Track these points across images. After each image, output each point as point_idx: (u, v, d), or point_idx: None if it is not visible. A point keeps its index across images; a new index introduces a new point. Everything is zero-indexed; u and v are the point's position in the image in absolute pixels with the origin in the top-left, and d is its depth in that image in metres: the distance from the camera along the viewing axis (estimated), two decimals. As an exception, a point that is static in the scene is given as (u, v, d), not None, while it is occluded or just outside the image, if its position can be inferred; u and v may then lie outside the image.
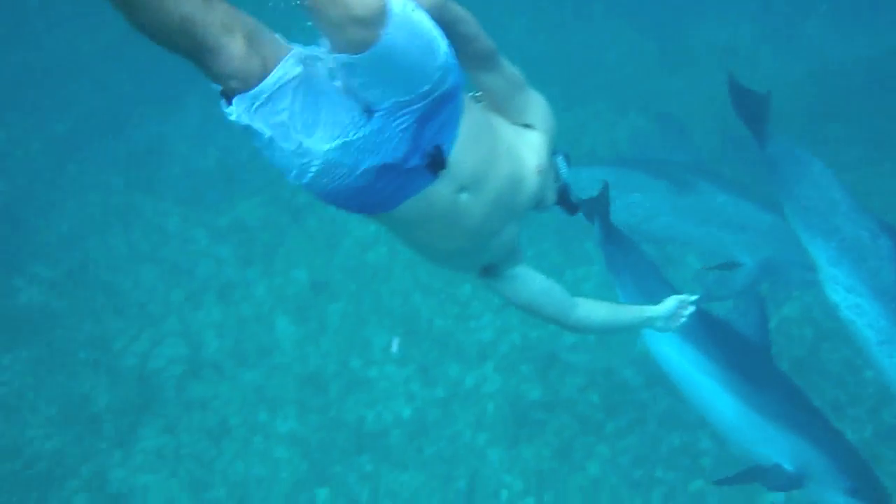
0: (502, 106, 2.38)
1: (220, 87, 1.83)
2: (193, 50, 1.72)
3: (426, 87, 1.94)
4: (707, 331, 4.60)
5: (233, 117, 1.84)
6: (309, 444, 6.02)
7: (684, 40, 8.63)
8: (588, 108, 8.34)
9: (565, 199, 2.60)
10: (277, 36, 1.88)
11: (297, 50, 1.88)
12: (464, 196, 2.16)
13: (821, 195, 4.73)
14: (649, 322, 2.82)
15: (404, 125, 1.96)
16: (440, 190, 2.10)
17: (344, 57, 1.83)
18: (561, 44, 9.00)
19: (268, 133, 1.86)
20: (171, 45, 1.72)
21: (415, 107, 1.95)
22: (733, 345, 4.64)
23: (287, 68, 1.82)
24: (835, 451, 4.27)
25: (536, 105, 2.45)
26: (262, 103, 1.82)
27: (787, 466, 4.32)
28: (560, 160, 2.56)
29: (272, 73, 1.80)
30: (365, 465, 5.92)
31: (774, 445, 4.38)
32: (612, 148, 7.73)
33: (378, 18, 1.76)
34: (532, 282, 2.58)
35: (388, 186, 2.03)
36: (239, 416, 6.17)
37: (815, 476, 4.28)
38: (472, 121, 2.13)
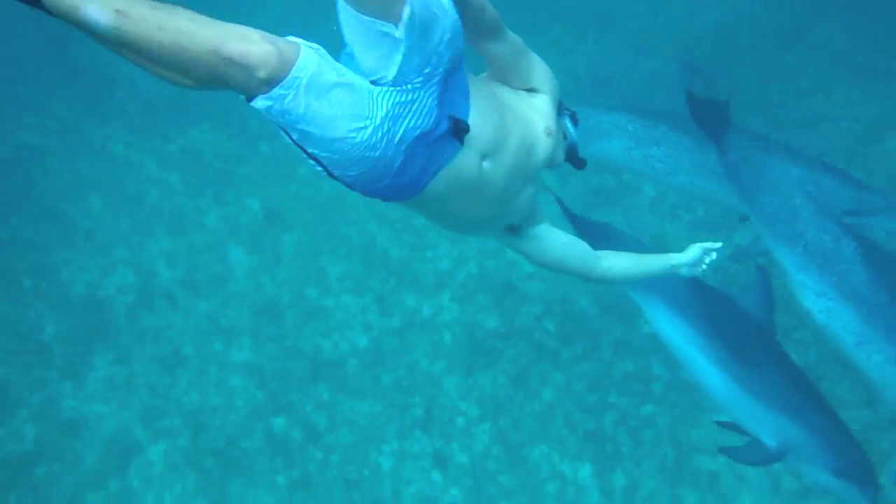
0: (507, 73, 2.46)
1: (250, 96, 1.84)
2: (226, 67, 1.75)
3: (449, 53, 2.02)
4: (701, 304, 4.61)
5: (271, 105, 1.84)
6: (265, 374, 5.99)
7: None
8: (546, 35, 8.20)
9: (574, 157, 2.66)
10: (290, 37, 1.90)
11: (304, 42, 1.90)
12: (486, 164, 2.23)
13: (782, 202, 4.75)
14: (674, 269, 2.86)
15: (433, 92, 2.03)
16: (465, 161, 2.16)
17: (381, 25, 1.88)
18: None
19: (313, 114, 1.87)
20: (213, 87, 1.81)
21: (440, 71, 2.02)
22: (728, 320, 4.62)
23: (309, 55, 1.85)
24: (822, 431, 4.27)
25: (539, 69, 2.51)
26: (303, 86, 1.83)
27: (770, 442, 4.37)
28: (567, 120, 2.62)
29: (299, 59, 1.82)
30: (322, 393, 5.93)
31: (759, 421, 4.42)
32: (569, 76, 7.64)
33: None
34: (555, 239, 2.65)
35: (419, 161, 2.07)
36: (193, 346, 6.09)
37: (800, 453, 4.32)
38: (479, 92, 2.22)
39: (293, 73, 1.80)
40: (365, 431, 5.74)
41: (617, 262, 2.74)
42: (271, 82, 1.79)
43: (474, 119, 2.15)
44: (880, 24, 7.11)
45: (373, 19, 1.90)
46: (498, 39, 2.37)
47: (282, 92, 1.81)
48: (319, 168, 2.01)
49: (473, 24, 2.20)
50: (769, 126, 6.88)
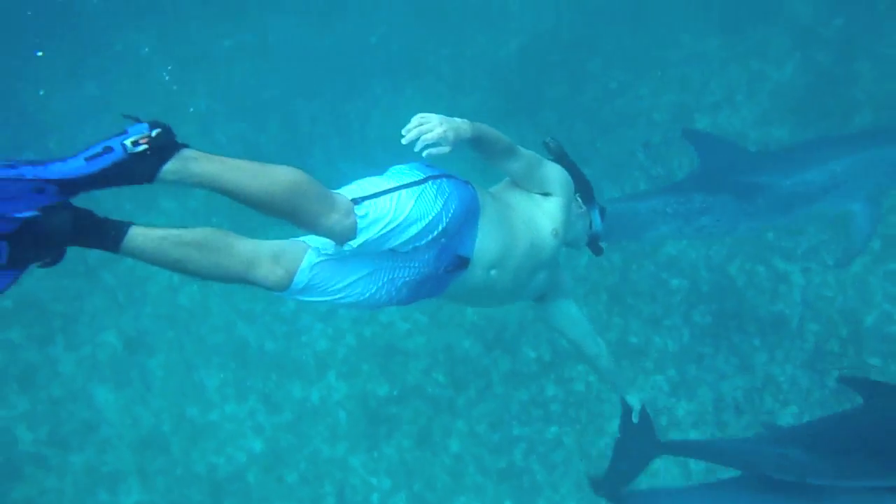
0: (523, 182, 2.87)
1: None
2: (253, 283, 2.42)
3: (434, 234, 2.49)
4: None
5: (290, 295, 2.50)
6: (162, 510, 5.64)
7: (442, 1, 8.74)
8: (367, 94, 8.29)
9: (594, 244, 3.15)
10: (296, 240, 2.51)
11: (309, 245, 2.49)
12: (493, 272, 2.72)
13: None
14: (625, 393, 3.51)
15: (427, 254, 2.54)
16: (472, 275, 2.67)
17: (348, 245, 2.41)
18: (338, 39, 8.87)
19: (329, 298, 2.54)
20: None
21: (423, 244, 2.50)
22: None
23: (310, 261, 2.46)
24: None
25: (553, 176, 2.89)
26: (301, 289, 2.47)
27: None
28: (595, 213, 3.09)
29: (299, 270, 2.44)
30: (227, 513, 5.63)
31: None
32: (396, 128, 7.73)
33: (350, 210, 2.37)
34: (568, 313, 3.21)
35: (426, 289, 2.64)
36: (76, 505, 5.66)
37: None
38: (491, 214, 2.68)
39: (297, 278, 2.44)
40: (281, 539, 5.50)
41: (603, 355, 3.29)
42: (285, 288, 2.44)
43: (482, 242, 2.64)
44: (654, 21, 7.68)
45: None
46: (512, 159, 2.76)
47: (293, 288, 2.45)
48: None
49: (488, 154, 2.68)
50: (594, 131, 7.23)
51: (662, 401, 5.54)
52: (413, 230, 2.45)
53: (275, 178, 2.24)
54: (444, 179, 2.57)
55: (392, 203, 2.43)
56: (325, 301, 2.53)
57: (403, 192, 2.47)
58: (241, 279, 2.37)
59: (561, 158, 3.03)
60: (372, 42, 8.39)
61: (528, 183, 2.86)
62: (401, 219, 2.42)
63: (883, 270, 5.47)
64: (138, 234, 2.20)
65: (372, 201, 2.42)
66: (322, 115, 7.92)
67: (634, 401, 3.45)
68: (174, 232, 2.26)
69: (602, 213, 3.14)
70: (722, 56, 7.20)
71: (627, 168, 6.88)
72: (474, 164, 2.80)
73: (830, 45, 6.81)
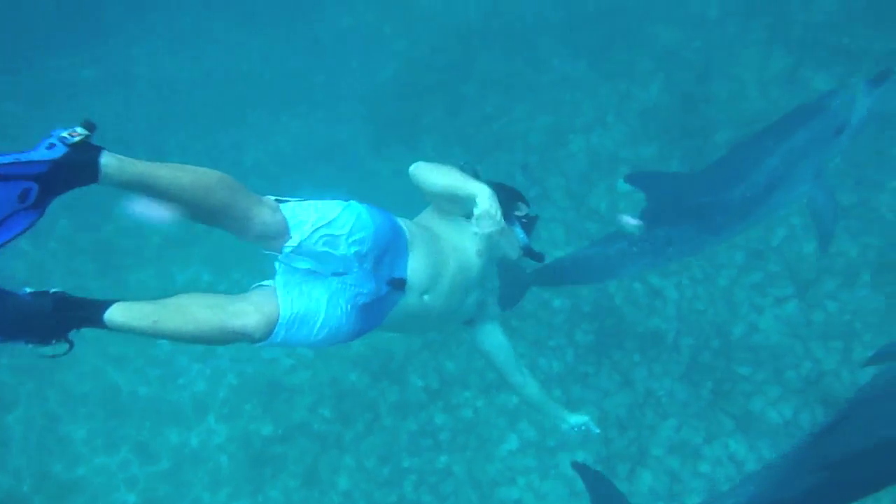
0: (445, 209, 3.06)
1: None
2: (234, 337, 2.51)
3: (366, 244, 2.65)
4: None
5: (269, 344, 2.59)
6: (24, 581, 5.17)
7: (315, 28, 8.63)
8: (243, 124, 8.06)
9: (531, 253, 3.22)
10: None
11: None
12: (426, 297, 2.88)
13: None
14: (561, 422, 3.46)
15: (361, 278, 2.68)
16: (408, 301, 2.83)
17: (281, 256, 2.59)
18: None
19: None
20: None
21: (355, 270, 2.66)
22: None
23: (285, 306, 2.59)
24: None
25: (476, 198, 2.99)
26: (283, 332, 2.57)
27: None
28: (517, 227, 3.19)
29: (279, 318, 2.55)
30: (99, 576, 5.23)
31: None
32: (272, 156, 7.56)
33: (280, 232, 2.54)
34: (495, 338, 3.33)
35: (374, 312, 2.77)
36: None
37: None
38: (418, 241, 2.84)
39: (276, 330, 2.53)
40: None
41: (529, 384, 3.37)
42: (264, 337, 2.51)
43: (412, 267, 2.81)
44: (525, 44, 7.83)
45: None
46: (437, 200, 3.04)
47: (272, 338, 2.53)
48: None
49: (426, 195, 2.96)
50: (471, 155, 7.25)
51: (549, 422, 5.54)
52: (343, 235, 2.59)
53: (204, 172, 2.35)
54: (369, 206, 2.73)
55: (317, 207, 2.59)
56: (302, 340, 2.61)
57: (327, 201, 2.65)
58: (223, 337, 2.45)
59: (476, 180, 3.14)
60: (244, 70, 8.17)
61: (450, 208, 3.05)
62: (328, 220, 2.57)
63: (748, 282, 5.71)
64: (121, 309, 2.32)
65: (296, 201, 2.60)
66: (193, 144, 7.62)
67: (575, 421, 3.47)
68: (157, 302, 2.39)
69: (531, 222, 3.29)
70: (591, 78, 7.41)
71: (508, 191, 6.92)
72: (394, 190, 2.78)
73: (690, 66, 7.12)
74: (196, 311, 2.40)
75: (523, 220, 3.27)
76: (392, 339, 6.06)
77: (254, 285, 2.69)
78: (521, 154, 7.15)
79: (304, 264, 2.59)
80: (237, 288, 6.67)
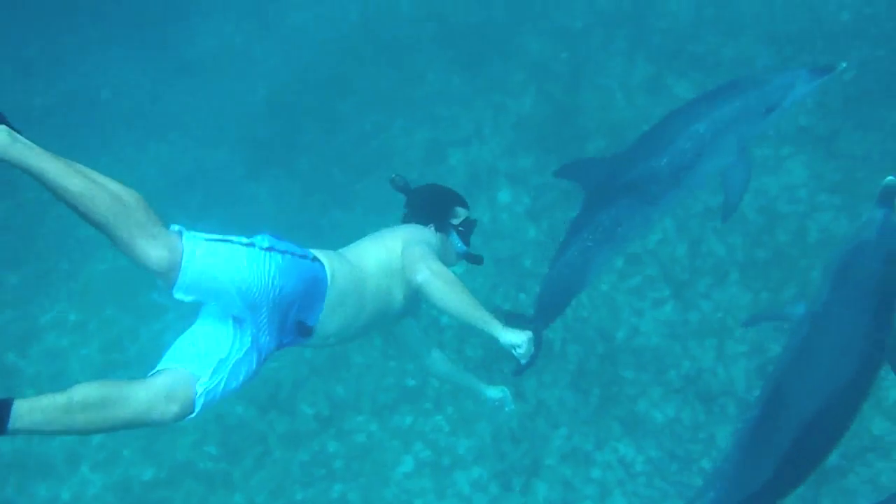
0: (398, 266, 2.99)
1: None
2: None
3: (249, 306, 2.62)
4: None
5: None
6: None
7: (181, 50, 8.29)
8: (110, 150, 7.63)
9: (470, 257, 3.36)
10: None
11: None
12: (332, 340, 2.93)
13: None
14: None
15: (268, 326, 2.68)
16: (316, 342, 2.89)
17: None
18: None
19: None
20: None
21: (263, 317, 2.65)
22: None
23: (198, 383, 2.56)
24: None
25: (402, 232, 3.11)
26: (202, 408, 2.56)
27: None
28: (454, 237, 3.27)
29: (195, 392, 2.52)
30: None
31: None
32: (141, 184, 7.17)
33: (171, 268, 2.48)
34: (411, 331, 3.44)
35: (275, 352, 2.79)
36: None
37: None
38: (340, 287, 2.80)
39: (196, 405, 2.49)
40: None
41: (440, 360, 3.64)
42: (187, 416, 2.49)
43: (324, 319, 2.77)
44: (400, 59, 7.81)
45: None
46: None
47: (196, 414, 2.52)
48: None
49: None
50: (351, 174, 7.12)
51: (443, 440, 5.50)
52: (246, 291, 2.56)
53: (104, 187, 2.46)
54: (281, 255, 2.65)
55: (222, 254, 2.57)
56: (220, 398, 2.59)
57: (235, 245, 2.61)
58: (139, 425, 2.43)
59: (407, 192, 3.36)
60: (104, 97, 7.76)
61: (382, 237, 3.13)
62: (231, 274, 2.54)
63: (626, 287, 5.87)
64: (24, 412, 2.18)
65: (202, 240, 2.57)
66: (51, 176, 7.13)
67: (492, 395, 3.79)
68: (60, 398, 2.25)
69: (468, 227, 3.32)
70: (466, 92, 7.46)
71: (390, 209, 6.82)
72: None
73: (560, 77, 7.29)
74: (112, 412, 2.34)
75: (460, 229, 3.29)
76: (279, 367, 5.87)
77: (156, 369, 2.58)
78: (401, 170, 7.04)
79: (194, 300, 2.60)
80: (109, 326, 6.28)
